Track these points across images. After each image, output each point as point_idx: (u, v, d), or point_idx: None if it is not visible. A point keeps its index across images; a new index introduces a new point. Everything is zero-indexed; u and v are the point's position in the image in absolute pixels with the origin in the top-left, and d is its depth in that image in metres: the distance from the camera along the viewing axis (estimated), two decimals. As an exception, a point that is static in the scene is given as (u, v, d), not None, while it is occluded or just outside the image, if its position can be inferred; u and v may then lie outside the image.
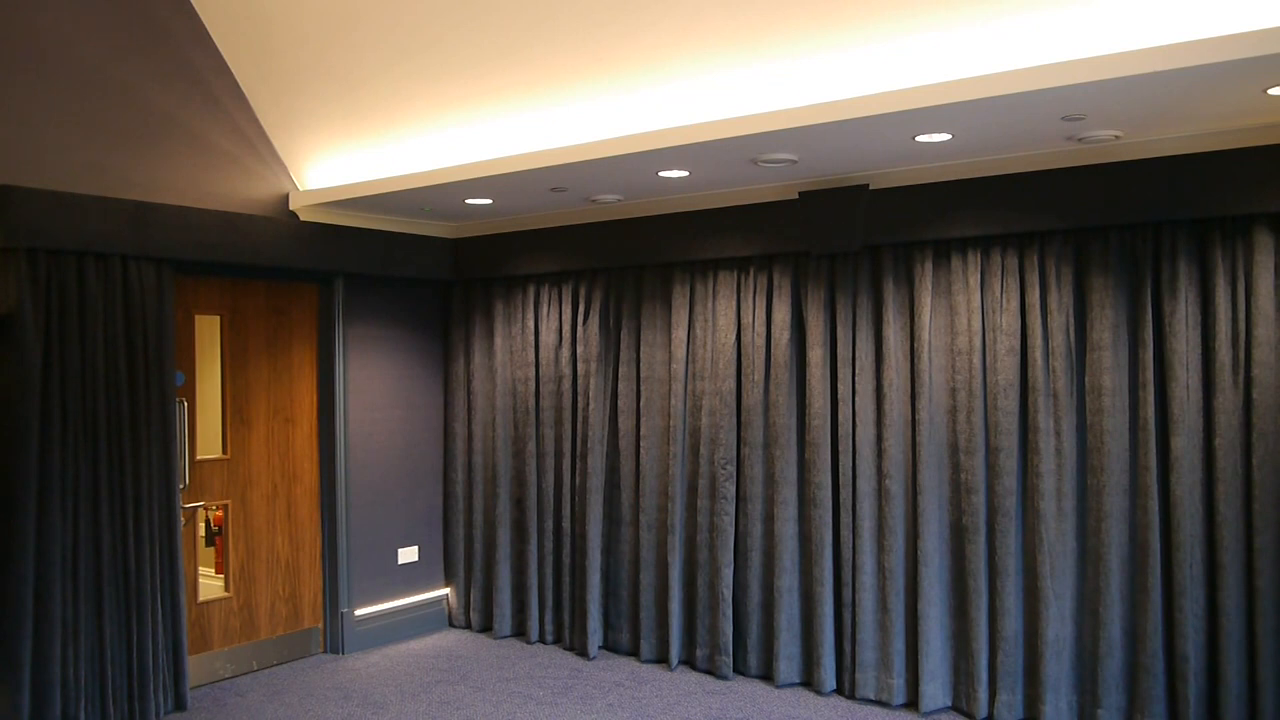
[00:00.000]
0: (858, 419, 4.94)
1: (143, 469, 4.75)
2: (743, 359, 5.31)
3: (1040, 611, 4.44)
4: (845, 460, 4.98)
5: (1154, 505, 4.21)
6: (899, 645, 4.83)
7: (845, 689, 5.01)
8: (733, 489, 5.31)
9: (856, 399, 4.95)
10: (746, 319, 5.29)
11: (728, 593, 5.30)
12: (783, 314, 5.16)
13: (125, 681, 4.69)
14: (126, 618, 4.70)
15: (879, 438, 4.90)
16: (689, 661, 5.53)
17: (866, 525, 4.90)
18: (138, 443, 4.74)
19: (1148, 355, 4.24)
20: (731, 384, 5.32)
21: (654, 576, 5.62)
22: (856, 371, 4.95)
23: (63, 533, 4.44)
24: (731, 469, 5.31)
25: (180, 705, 4.90)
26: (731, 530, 5.31)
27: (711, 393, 5.39)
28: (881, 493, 4.88)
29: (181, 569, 4.92)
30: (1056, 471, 4.44)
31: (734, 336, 5.33)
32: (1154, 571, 4.21)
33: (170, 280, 4.87)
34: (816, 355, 5.04)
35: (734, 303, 5.33)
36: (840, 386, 5.00)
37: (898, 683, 4.83)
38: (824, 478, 5.04)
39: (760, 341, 5.23)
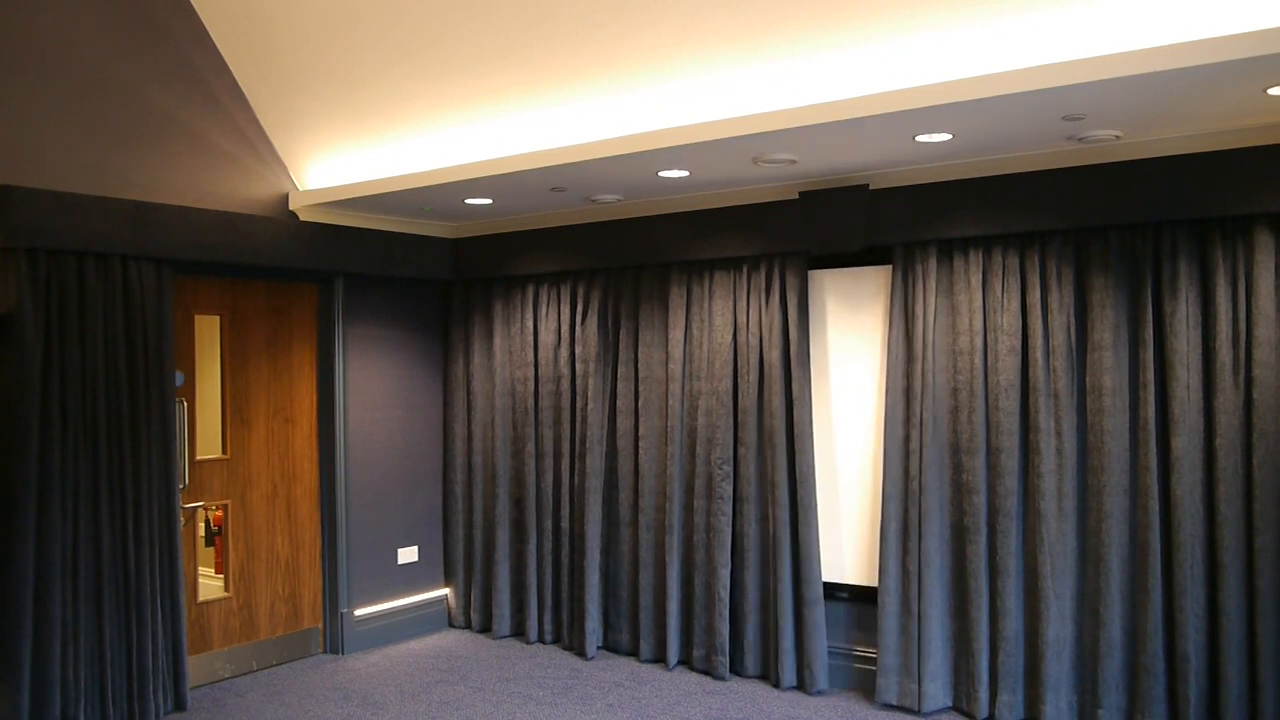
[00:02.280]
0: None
1: (142, 469, 4.75)
2: (739, 359, 5.31)
3: (1041, 612, 4.43)
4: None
5: (1154, 505, 4.21)
6: (901, 646, 4.82)
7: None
8: (729, 489, 5.31)
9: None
10: (742, 319, 5.28)
11: (724, 593, 5.30)
12: (780, 314, 5.15)
13: (125, 682, 4.69)
14: (126, 618, 4.70)
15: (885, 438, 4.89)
16: (686, 661, 5.53)
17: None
18: (138, 443, 4.74)
19: (1148, 355, 4.24)
20: (728, 384, 5.32)
21: (653, 576, 5.61)
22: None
23: (62, 533, 4.44)
24: (728, 469, 5.30)
25: (180, 705, 4.90)
26: (729, 530, 5.31)
27: (708, 393, 5.39)
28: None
29: (181, 569, 4.92)
30: (1057, 471, 4.44)
31: (730, 336, 5.32)
32: (1154, 571, 4.21)
33: (170, 280, 4.87)
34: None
35: (730, 303, 5.32)
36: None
37: (900, 683, 4.81)
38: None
39: (755, 341, 5.22)
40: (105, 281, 4.62)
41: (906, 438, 4.80)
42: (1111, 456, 4.30)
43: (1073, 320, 4.42)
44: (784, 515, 5.08)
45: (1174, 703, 4.19)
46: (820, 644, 5.02)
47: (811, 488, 5.02)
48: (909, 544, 4.77)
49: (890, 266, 4.89)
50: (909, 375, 4.79)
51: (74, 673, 4.47)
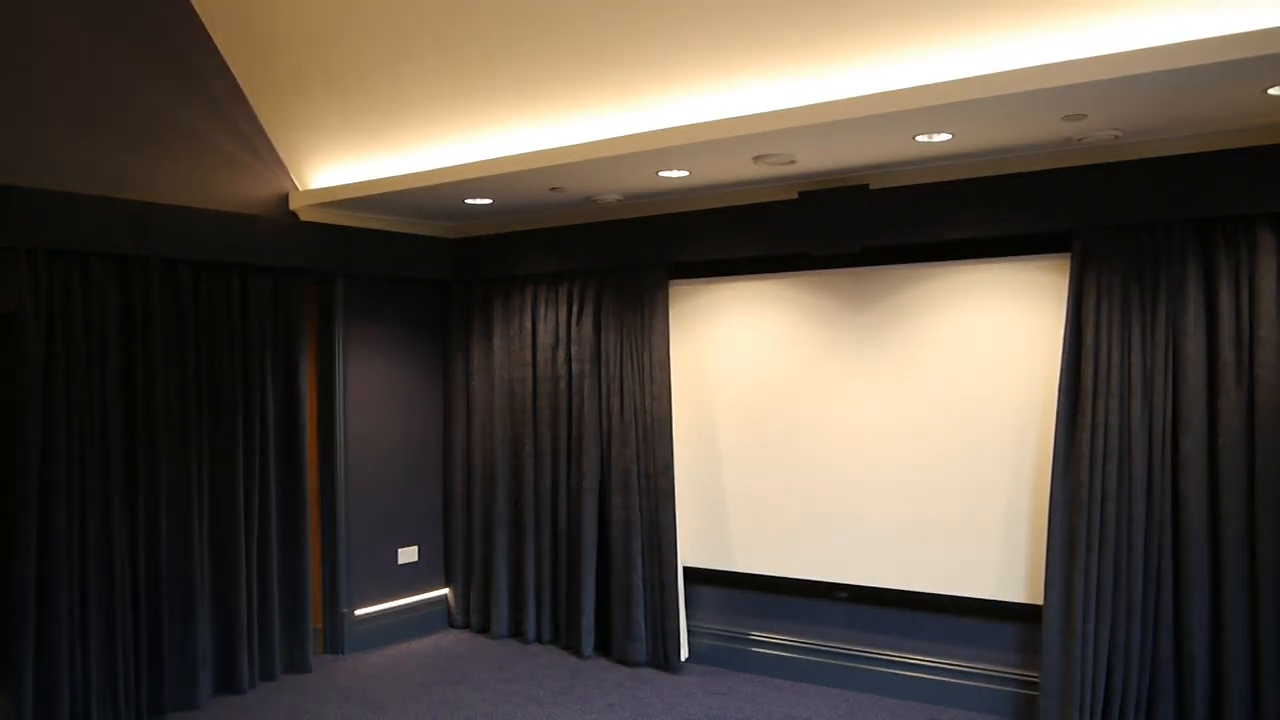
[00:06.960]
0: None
1: (159, 466, 4.78)
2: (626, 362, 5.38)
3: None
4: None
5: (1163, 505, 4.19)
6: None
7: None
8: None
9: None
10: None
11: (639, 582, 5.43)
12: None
13: (134, 681, 4.69)
14: (134, 617, 4.72)
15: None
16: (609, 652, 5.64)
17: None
18: (154, 440, 4.78)
19: (1151, 356, 4.22)
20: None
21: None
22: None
23: (69, 533, 4.44)
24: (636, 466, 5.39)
25: (307, 668, 5.48)
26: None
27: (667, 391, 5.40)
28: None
29: (309, 546, 5.52)
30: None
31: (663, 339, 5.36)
32: (1165, 572, 4.17)
33: (301, 287, 5.27)
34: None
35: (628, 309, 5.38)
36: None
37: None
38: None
39: (623, 343, 5.29)
40: (107, 282, 4.62)
41: (1076, 442, 4.36)
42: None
43: (1073, 320, 4.41)
44: (649, 504, 5.47)
45: (1179, 703, 4.17)
46: (677, 623, 5.33)
47: (670, 479, 5.34)
48: (1075, 559, 4.32)
49: (892, 266, 4.90)
50: (1082, 375, 4.35)
51: (81, 673, 4.47)
